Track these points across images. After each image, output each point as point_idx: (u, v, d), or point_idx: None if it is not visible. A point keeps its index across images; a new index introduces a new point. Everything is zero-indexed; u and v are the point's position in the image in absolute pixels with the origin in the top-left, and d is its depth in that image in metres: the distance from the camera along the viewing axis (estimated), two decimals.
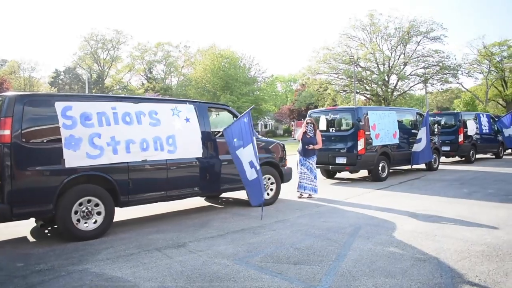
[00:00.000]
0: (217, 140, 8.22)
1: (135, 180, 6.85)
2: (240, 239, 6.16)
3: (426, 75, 47.72)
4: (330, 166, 12.50)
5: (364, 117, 12.10)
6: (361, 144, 11.89)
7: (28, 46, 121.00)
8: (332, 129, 12.78)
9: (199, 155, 7.78)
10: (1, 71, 73.90)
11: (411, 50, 47.96)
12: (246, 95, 58.62)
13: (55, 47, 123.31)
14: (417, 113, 14.58)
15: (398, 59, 48.70)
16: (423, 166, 15.28)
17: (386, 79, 49.55)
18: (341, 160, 12.33)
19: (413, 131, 14.09)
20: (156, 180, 7.23)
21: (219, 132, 8.34)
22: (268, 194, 9.03)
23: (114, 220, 6.76)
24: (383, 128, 12.56)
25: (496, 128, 19.45)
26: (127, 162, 6.71)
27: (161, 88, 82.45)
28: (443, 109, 64.57)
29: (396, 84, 49.94)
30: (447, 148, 17.60)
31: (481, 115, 19.07)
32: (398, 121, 13.77)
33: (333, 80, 52.53)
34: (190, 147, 7.72)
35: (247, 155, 7.57)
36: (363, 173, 13.60)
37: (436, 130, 15.23)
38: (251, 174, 7.51)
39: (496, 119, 19.97)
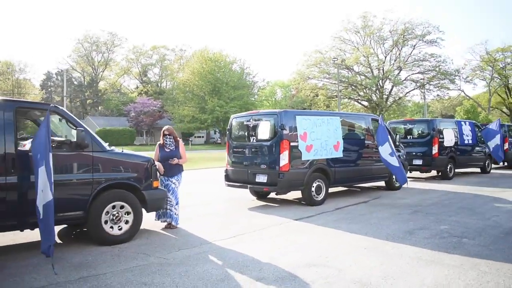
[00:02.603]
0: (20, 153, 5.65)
1: None
2: None
3: (422, 80, 44.88)
4: (249, 186, 9.79)
5: (290, 123, 9.38)
6: (284, 159, 9.18)
7: (19, 47, 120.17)
8: (253, 138, 10.10)
9: None
10: None
11: (406, 54, 45.26)
12: (235, 100, 56.08)
13: (46, 49, 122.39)
14: (373, 120, 11.77)
15: (394, 63, 45.88)
16: (382, 183, 12.55)
17: (381, 84, 46.77)
18: (261, 179, 9.63)
19: (366, 142, 11.35)
20: None
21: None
22: (120, 228, 6.42)
23: None
24: (319, 138, 9.83)
25: (482, 138, 16.64)
26: None
27: (155, 91, 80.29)
28: (448, 117, 61.32)
29: (391, 90, 47.13)
30: (419, 162, 14.82)
31: (462, 123, 16.22)
32: (346, 130, 11.07)
33: (325, 85, 49.80)
34: None
35: (42, 177, 5.03)
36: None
37: (397, 140, 12.49)
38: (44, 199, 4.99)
39: (482, 128, 17.15)
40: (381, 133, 10.91)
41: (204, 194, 11.93)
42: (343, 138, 10.57)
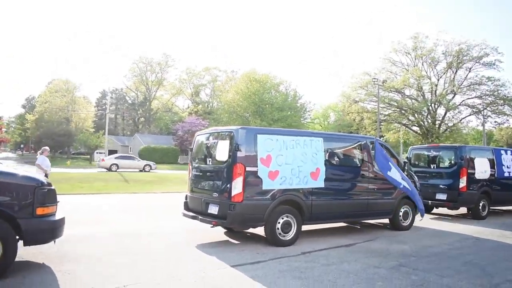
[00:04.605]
0: None
1: None
2: None
3: (479, 105, 40.88)
4: (199, 217, 7.99)
5: (248, 143, 7.56)
6: (236, 187, 7.35)
7: (75, 66, 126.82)
8: (209, 160, 8.37)
9: None
10: (47, 89, 75.91)
11: (461, 78, 41.54)
12: (279, 121, 54.46)
13: (99, 68, 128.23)
14: (370, 143, 9.55)
15: (447, 87, 42.27)
16: (386, 220, 10.30)
17: (433, 109, 43.22)
18: (213, 209, 7.85)
19: (362, 170, 9.22)
20: None
21: None
22: None
23: None
24: (289, 162, 7.89)
25: None
26: None
27: (204, 111, 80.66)
28: None
29: (444, 115, 43.34)
30: (442, 196, 12.31)
31: (502, 152, 13.42)
32: (333, 154, 9.05)
33: (373, 109, 46.84)
34: None
35: None
36: None
37: (406, 168, 10.22)
38: None
39: None
40: (382, 158, 8.86)
41: (170, 220, 10.26)
42: (328, 164, 8.58)
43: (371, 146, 9.34)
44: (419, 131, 45.95)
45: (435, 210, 13.74)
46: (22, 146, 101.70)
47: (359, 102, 46.63)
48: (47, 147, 13.90)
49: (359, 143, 9.39)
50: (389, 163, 8.96)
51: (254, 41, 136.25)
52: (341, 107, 52.02)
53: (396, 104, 44.50)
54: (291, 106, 58.18)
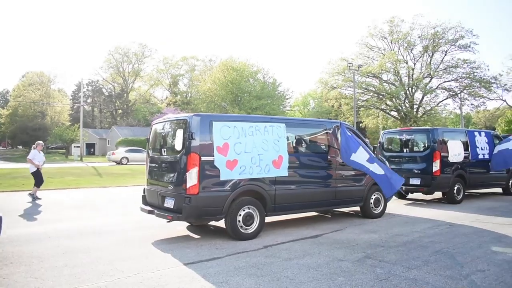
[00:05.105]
0: None
1: None
2: None
3: (456, 88, 40.96)
4: (155, 212, 7.42)
5: (203, 131, 7.00)
6: (192, 178, 6.81)
7: (50, 58, 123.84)
8: (164, 150, 7.81)
9: None
10: (20, 83, 73.70)
11: (437, 61, 41.51)
12: (257, 110, 53.82)
13: (75, 60, 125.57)
14: (336, 127, 9.05)
15: (424, 70, 42.22)
16: (357, 208, 9.89)
17: (410, 93, 43.19)
18: (169, 203, 7.29)
19: (330, 156, 8.74)
20: None
21: None
22: None
23: None
24: (248, 151, 7.36)
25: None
26: None
27: (183, 102, 79.58)
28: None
29: (422, 99, 43.37)
30: (416, 181, 11.98)
31: (475, 133, 13.11)
32: (298, 140, 8.56)
33: (350, 95, 46.61)
34: None
35: None
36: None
37: (375, 152, 9.76)
38: None
39: (502, 138, 14.04)
40: (349, 140, 8.40)
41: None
42: (292, 152, 8.09)
43: (337, 130, 8.85)
44: (397, 116, 45.99)
45: (410, 196, 13.43)
46: None
47: (337, 88, 46.33)
48: (41, 142, 13.78)
49: (325, 127, 8.92)
50: (354, 147, 8.43)
51: (232, 29, 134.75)
52: (320, 93, 51.72)
53: (373, 89, 44.37)
54: (269, 94, 57.52)
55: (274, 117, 8.83)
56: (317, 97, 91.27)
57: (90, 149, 71.37)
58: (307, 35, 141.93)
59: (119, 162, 34.93)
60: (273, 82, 60.18)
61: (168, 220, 7.27)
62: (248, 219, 7.37)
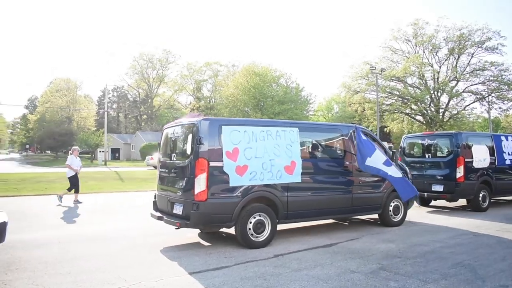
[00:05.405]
0: None
1: None
2: None
3: (483, 92, 39.74)
4: (164, 218, 7.26)
5: (212, 136, 6.82)
6: (200, 184, 6.64)
7: (76, 65, 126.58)
8: (174, 155, 7.67)
9: None
10: (48, 89, 75.63)
11: (464, 64, 40.40)
12: (280, 115, 53.56)
13: (101, 66, 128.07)
14: (352, 132, 8.57)
15: (450, 73, 41.16)
16: (376, 215, 9.54)
17: (436, 97, 42.15)
18: (178, 209, 7.13)
19: (346, 162, 8.44)
20: None
21: None
22: None
23: None
24: (259, 156, 7.15)
25: None
26: None
27: (206, 107, 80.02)
28: None
29: (448, 103, 42.26)
30: (439, 188, 11.52)
31: (502, 138, 12.57)
32: (312, 145, 8.31)
33: (374, 99, 45.86)
34: None
35: None
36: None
37: (394, 158, 9.38)
38: None
39: None
40: (364, 145, 8.10)
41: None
42: (306, 157, 7.84)
43: (354, 135, 8.55)
44: (422, 120, 44.95)
45: (432, 203, 12.95)
46: (27, 146, 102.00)
47: (360, 92, 45.65)
48: (77, 147, 14.37)
49: (340, 132, 8.62)
50: (369, 151, 8.12)
51: (255, 34, 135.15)
52: (343, 98, 51.10)
53: (398, 93, 43.51)
54: (292, 99, 57.20)
55: (286, 121, 8.61)
56: (340, 102, 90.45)
57: (115, 154, 72.41)
58: (331, 39, 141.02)
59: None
60: (296, 87, 60.03)
61: (176, 227, 7.12)
62: (259, 227, 7.15)
